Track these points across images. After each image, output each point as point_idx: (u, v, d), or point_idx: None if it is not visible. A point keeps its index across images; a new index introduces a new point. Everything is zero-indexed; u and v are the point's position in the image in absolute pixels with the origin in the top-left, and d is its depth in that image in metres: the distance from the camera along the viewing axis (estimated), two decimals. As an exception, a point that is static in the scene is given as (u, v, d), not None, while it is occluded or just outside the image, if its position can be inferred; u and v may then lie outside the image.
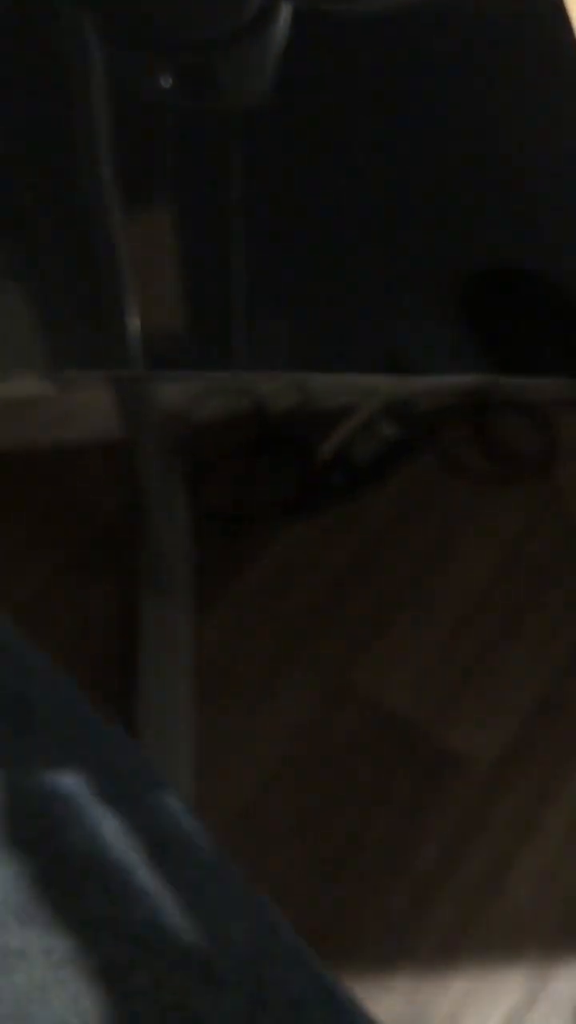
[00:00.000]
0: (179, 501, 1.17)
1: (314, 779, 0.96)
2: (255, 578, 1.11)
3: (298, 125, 0.35)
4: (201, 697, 1.02)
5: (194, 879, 0.35)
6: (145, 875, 0.34)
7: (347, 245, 0.37)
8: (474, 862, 0.91)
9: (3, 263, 0.38)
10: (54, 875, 0.33)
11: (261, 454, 1.21)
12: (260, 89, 0.34)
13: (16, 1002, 0.29)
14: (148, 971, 0.30)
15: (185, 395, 1.19)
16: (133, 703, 1.01)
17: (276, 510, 1.17)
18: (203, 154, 0.36)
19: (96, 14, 0.31)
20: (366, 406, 1.17)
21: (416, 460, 1.21)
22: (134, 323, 0.39)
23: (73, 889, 0.33)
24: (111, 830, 0.35)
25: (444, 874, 0.90)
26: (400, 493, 1.19)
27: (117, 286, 0.38)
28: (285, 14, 0.33)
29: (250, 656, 1.05)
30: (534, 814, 0.94)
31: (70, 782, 0.37)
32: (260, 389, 1.14)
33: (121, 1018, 0.29)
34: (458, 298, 0.36)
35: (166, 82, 0.34)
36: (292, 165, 0.37)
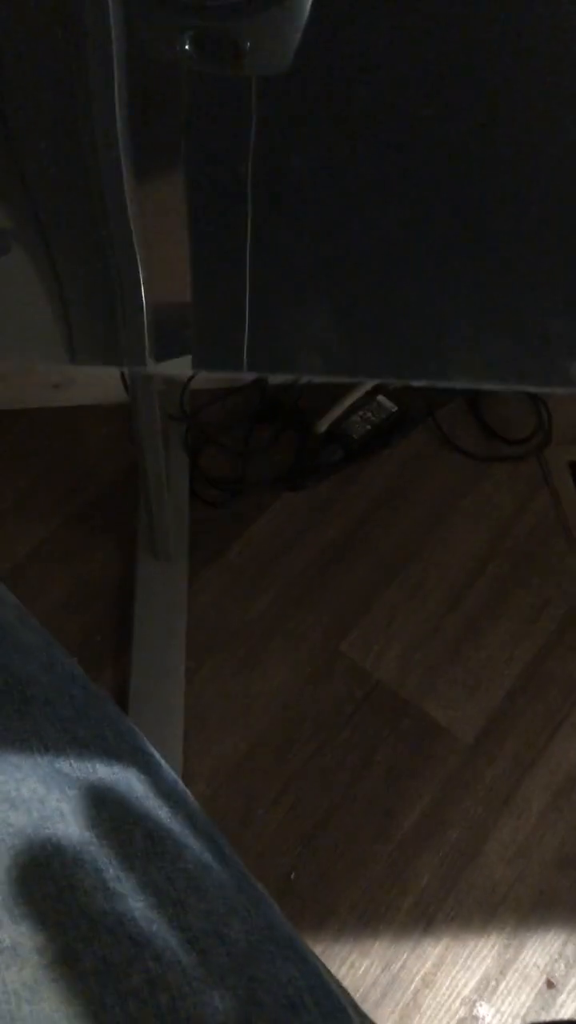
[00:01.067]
0: (177, 467, 1.16)
1: (299, 745, 0.97)
2: (249, 546, 1.11)
3: (324, 101, 0.33)
4: (192, 661, 1.02)
5: (191, 870, 0.35)
6: (142, 867, 0.34)
7: (375, 240, 0.35)
8: (453, 831, 0.93)
9: (10, 238, 0.36)
10: (48, 867, 0.32)
11: (260, 424, 1.20)
12: (285, 58, 0.32)
13: (5, 1002, 0.29)
14: (143, 971, 0.30)
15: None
16: (125, 664, 1.01)
17: (272, 480, 1.16)
18: (221, 125, 0.34)
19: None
20: (364, 381, 1.16)
21: (411, 436, 1.21)
22: (144, 317, 0.38)
23: (68, 883, 0.32)
24: (107, 820, 0.35)
25: (423, 842, 0.92)
26: (394, 468, 1.18)
27: (128, 274, 0.37)
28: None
29: (241, 623, 1.05)
30: (514, 787, 0.96)
31: (67, 769, 0.36)
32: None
33: (115, 1022, 0.28)
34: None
35: (184, 45, 0.32)
36: (315, 145, 0.35)
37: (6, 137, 0.33)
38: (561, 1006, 0.83)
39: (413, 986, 0.84)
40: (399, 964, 0.85)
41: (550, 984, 0.84)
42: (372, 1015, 0.82)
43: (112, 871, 0.33)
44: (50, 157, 0.35)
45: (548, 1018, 0.83)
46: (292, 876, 0.89)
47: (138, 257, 0.37)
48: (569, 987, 0.84)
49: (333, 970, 0.84)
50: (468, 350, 0.36)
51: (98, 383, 1.20)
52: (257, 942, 0.33)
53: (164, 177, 0.37)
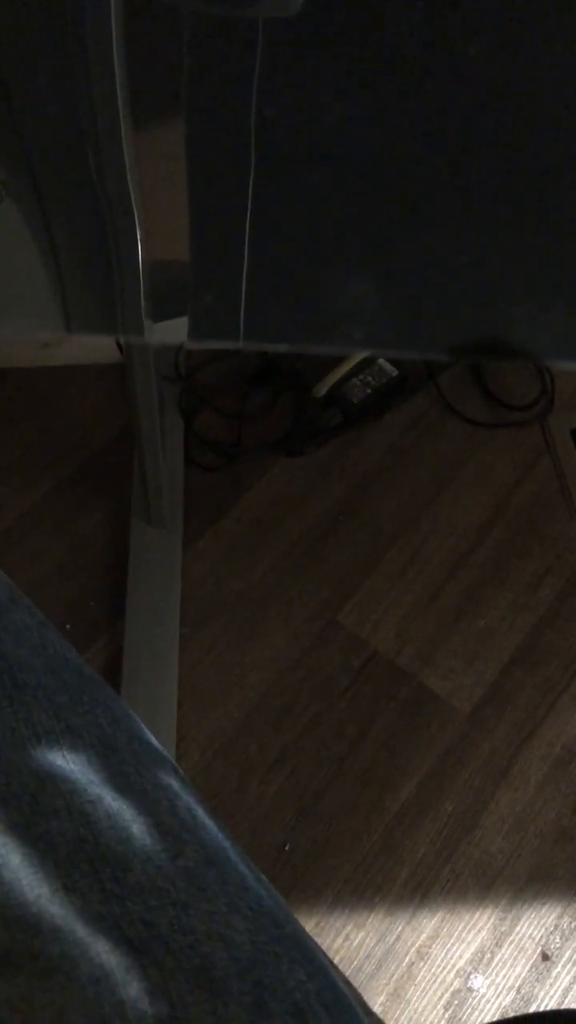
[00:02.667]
0: (172, 430, 1.13)
1: (296, 715, 0.96)
2: (245, 512, 1.09)
3: (337, 46, 0.30)
4: (186, 628, 1.00)
5: (192, 868, 0.33)
6: (140, 866, 0.32)
7: (390, 201, 0.32)
8: (450, 803, 0.92)
9: (2, 190, 0.33)
10: (42, 866, 0.31)
11: (257, 386, 1.17)
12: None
13: None
14: (143, 979, 0.28)
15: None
16: (119, 632, 0.99)
17: (269, 444, 1.13)
18: (224, 70, 0.31)
19: None
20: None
21: (412, 401, 1.18)
22: (141, 276, 0.35)
23: (62, 884, 0.30)
24: (104, 815, 0.33)
25: (420, 814, 0.91)
26: (394, 434, 1.16)
27: (125, 230, 0.34)
28: None
29: (237, 590, 1.03)
30: (511, 758, 0.95)
31: (60, 761, 0.34)
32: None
33: None
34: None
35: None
36: (326, 93, 0.31)
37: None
38: (556, 978, 0.83)
39: (408, 958, 0.84)
40: (394, 936, 0.85)
41: (545, 956, 0.84)
42: (366, 987, 0.81)
43: (109, 871, 0.31)
44: (44, 102, 0.32)
45: (543, 991, 0.83)
46: (287, 847, 0.88)
47: (136, 212, 0.34)
48: (564, 959, 0.84)
49: (328, 942, 0.84)
50: (504, 322, 0.33)
51: (89, 342, 1.17)
52: (262, 943, 0.32)
53: (163, 126, 0.34)
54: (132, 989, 0.28)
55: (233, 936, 0.31)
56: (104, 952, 0.29)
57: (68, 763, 0.34)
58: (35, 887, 0.30)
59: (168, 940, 0.30)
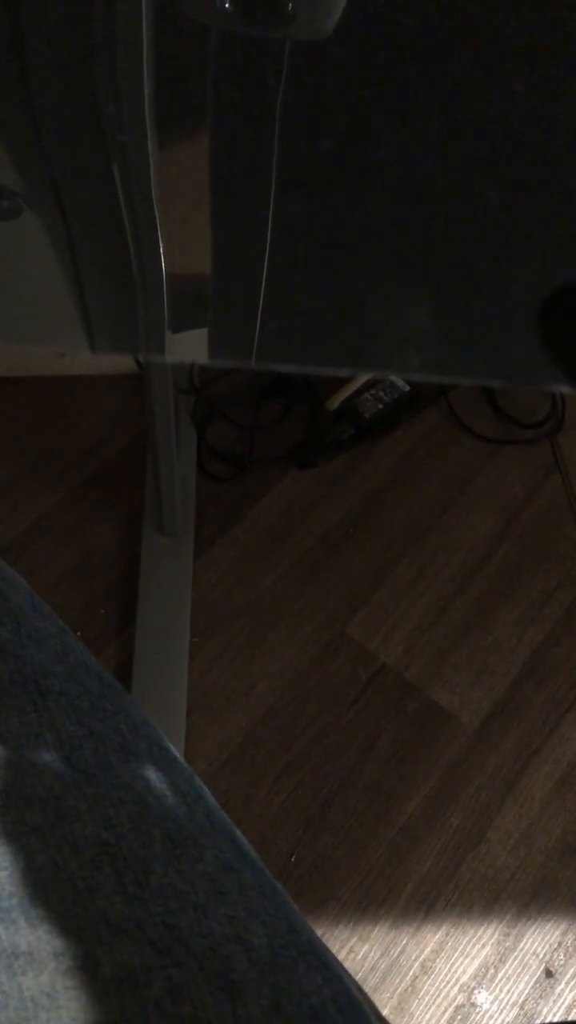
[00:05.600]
0: (185, 441, 1.14)
1: (303, 726, 0.96)
2: (256, 523, 1.09)
3: (364, 70, 0.31)
4: (196, 638, 1.01)
5: (212, 873, 0.33)
6: (162, 870, 0.32)
7: (407, 230, 0.33)
8: (455, 817, 0.92)
9: (23, 203, 0.33)
10: (65, 868, 0.31)
11: (269, 399, 1.18)
12: (328, 24, 0.30)
13: (23, 1008, 0.28)
14: (165, 980, 0.29)
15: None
16: (129, 639, 1.00)
17: (280, 456, 1.14)
18: (249, 90, 0.32)
19: None
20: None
21: (423, 416, 1.19)
22: (164, 291, 0.36)
23: (86, 885, 0.31)
24: (126, 820, 0.34)
25: (425, 828, 0.91)
26: (405, 449, 1.17)
27: (148, 246, 0.35)
28: None
29: (247, 601, 1.04)
30: (517, 774, 0.95)
31: (83, 766, 0.35)
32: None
33: None
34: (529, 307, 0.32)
35: (224, 4, 0.30)
36: (349, 117, 0.32)
37: (24, 92, 0.31)
38: (559, 995, 0.83)
39: (412, 972, 0.84)
40: (398, 949, 0.85)
41: (549, 973, 0.84)
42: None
43: (131, 874, 0.32)
44: (69, 114, 0.32)
45: (546, 1007, 0.83)
46: (293, 858, 0.89)
47: (159, 226, 0.35)
48: (567, 976, 0.84)
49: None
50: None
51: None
52: (280, 948, 0.32)
53: (188, 142, 0.34)
54: (154, 990, 0.28)
55: (252, 940, 0.31)
56: (127, 953, 0.29)
57: (92, 768, 0.35)
58: (59, 888, 0.30)
59: (189, 942, 0.30)
